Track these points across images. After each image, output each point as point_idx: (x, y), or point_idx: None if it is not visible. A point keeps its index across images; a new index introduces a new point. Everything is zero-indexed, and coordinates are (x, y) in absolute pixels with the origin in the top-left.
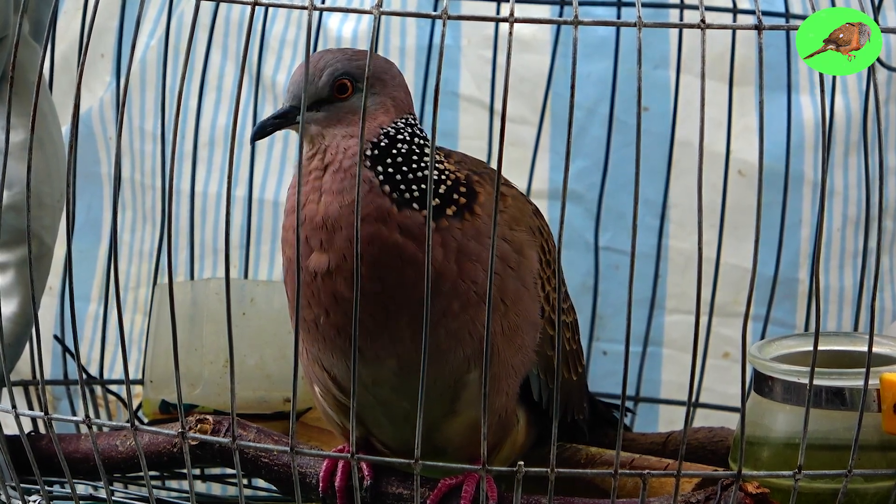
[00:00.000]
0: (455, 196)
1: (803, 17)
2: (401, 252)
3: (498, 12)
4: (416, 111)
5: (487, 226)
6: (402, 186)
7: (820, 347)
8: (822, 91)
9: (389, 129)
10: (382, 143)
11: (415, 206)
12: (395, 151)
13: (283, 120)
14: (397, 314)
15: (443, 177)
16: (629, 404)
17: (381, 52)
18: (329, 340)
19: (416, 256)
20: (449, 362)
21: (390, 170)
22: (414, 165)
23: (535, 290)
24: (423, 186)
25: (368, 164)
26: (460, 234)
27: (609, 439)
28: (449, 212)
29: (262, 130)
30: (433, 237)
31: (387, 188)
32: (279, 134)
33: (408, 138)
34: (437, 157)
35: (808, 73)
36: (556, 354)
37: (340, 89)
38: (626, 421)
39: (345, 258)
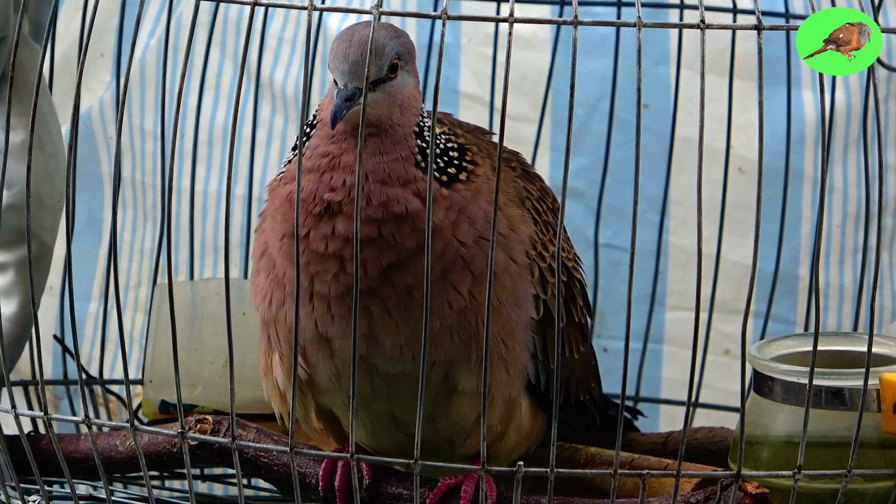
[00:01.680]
0: (464, 164)
1: (803, 17)
2: (415, 216)
3: (498, 12)
4: None
5: (482, 195)
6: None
7: (820, 347)
8: (822, 89)
9: (422, 105)
10: (422, 122)
11: (436, 174)
12: (424, 127)
13: (352, 102)
14: (400, 272)
15: (452, 145)
16: (629, 404)
17: None
18: (333, 294)
19: (418, 209)
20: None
21: (423, 144)
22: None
23: (524, 268)
24: (443, 159)
25: (413, 138)
26: (464, 199)
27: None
28: (462, 177)
29: (339, 115)
30: (441, 200)
31: (419, 158)
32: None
33: (426, 115)
34: (446, 129)
35: (808, 67)
36: (556, 345)
37: (392, 69)
38: (627, 420)
39: (364, 207)
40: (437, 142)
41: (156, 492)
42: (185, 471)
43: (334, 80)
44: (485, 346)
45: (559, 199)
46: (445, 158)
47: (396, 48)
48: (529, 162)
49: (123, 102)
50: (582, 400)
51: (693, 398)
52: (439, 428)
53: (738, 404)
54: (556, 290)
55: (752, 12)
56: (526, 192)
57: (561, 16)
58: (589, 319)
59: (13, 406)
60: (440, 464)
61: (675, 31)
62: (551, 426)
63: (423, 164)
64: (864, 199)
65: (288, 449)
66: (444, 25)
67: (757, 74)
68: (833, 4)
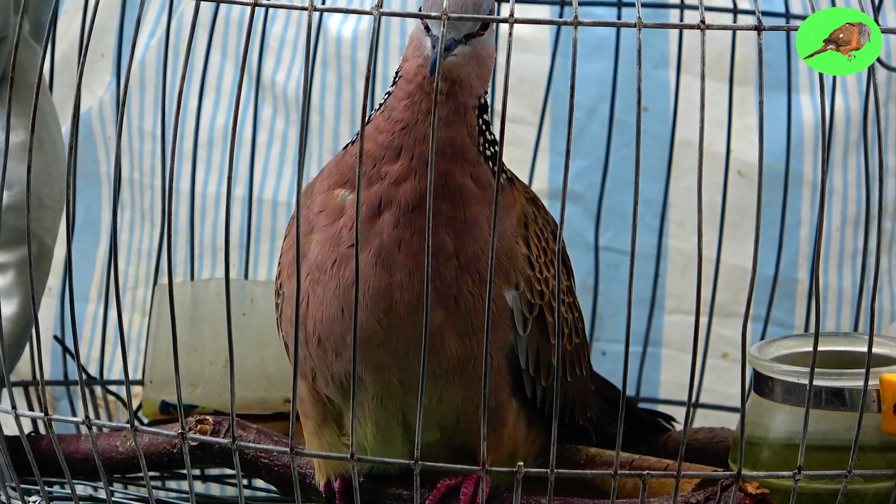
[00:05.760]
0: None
1: (803, 18)
2: (462, 189)
3: (498, 13)
4: None
5: (514, 210)
6: (482, 142)
7: (820, 348)
8: (822, 91)
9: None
10: (485, 96)
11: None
12: (486, 106)
13: (448, 53)
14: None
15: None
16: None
17: (380, 52)
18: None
19: (472, 193)
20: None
21: (481, 124)
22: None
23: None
24: (491, 150)
25: (474, 114)
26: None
27: (650, 446)
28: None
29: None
30: (489, 190)
31: (480, 139)
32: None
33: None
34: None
35: (808, 72)
36: (556, 355)
37: (484, 25)
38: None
39: (415, 172)
40: (487, 134)
41: (155, 492)
42: (184, 471)
43: (426, 27)
44: (485, 341)
45: (559, 203)
46: (490, 151)
47: (491, 4)
48: (529, 165)
49: (123, 103)
50: (577, 422)
51: (693, 399)
52: (452, 438)
53: (737, 405)
54: (540, 311)
55: (752, 13)
56: (533, 216)
57: (561, 16)
58: (585, 345)
59: (13, 406)
60: (440, 464)
61: (675, 34)
62: (543, 440)
63: (480, 148)
64: (863, 203)
65: (288, 449)
66: (443, 26)
67: (756, 76)
68: (833, 4)
